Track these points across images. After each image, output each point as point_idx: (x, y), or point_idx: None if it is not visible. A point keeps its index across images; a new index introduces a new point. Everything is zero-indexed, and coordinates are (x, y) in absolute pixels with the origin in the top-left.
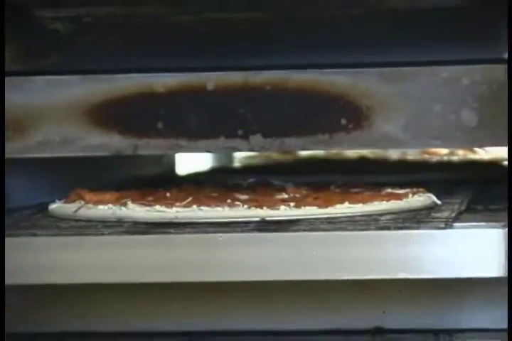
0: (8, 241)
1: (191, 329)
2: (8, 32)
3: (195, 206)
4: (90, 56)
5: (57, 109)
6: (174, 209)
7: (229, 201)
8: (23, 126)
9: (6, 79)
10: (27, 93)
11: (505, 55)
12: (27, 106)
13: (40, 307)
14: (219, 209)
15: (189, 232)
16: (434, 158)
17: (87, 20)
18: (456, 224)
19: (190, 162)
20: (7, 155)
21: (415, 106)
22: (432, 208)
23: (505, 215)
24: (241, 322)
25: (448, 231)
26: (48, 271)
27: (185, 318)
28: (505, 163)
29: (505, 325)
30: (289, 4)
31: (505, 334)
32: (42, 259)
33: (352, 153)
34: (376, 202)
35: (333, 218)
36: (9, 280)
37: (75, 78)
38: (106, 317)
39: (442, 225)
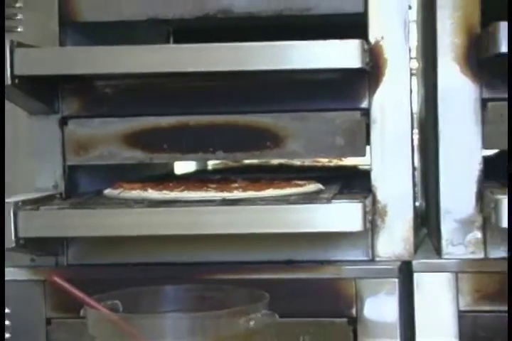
0: (81, 212)
1: (185, 261)
2: (78, 93)
3: (186, 191)
4: (125, 106)
5: (106, 137)
6: (174, 193)
7: (205, 188)
8: (87, 147)
9: (78, 120)
10: (89, 128)
11: (361, 105)
12: (89, 136)
13: (96, 250)
14: (199, 192)
15: (182, 206)
16: (320, 164)
17: (122, 86)
18: (333, 201)
19: (183, 166)
20: (79, 163)
21: (310, 135)
22: (319, 192)
23: (359, 196)
24: (210, 256)
25: (329, 204)
26: (102, 228)
27: (183, 254)
28: (360, 167)
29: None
30: (233, 76)
31: (360, 262)
32: (100, 221)
33: (274, 161)
34: (288, 189)
35: (264, 198)
36: (79, 233)
37: (116, 119)
38: (135, 254)
39: (325, 201)
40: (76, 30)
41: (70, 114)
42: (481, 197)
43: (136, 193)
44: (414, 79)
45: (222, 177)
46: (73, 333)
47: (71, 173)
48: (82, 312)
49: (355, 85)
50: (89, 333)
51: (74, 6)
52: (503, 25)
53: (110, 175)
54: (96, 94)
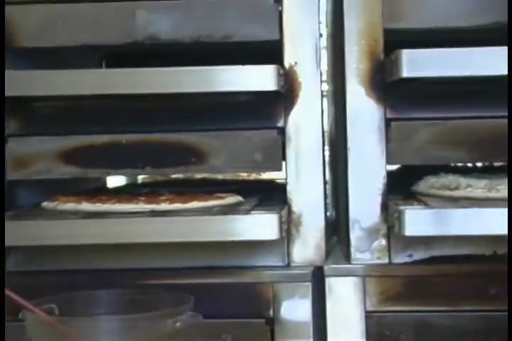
0: (20, 223)
1: (117, 267)
2: (17, 113)
3: (117, 203)
4: (61, 125)
5: (44, 154)
6: (106, 205)
7: (135, 201)
8: (26, 163)
9: (17, 138)
10: (28, 145)
11: (278, 124)
12: (28, 153)
13: (35, 258)
14: (130, 205)
15: (113, 217)
16: (240, 178)
17: (59, 107)
18: (252, 212)
19: (115, 181)
20: (19, 178)
21: (231, 151)
22: (239, 204)
23: (276, 207)
24: (141, 263)
25: (248, 215)
26: (41, 238)
27: (116, 262)
28: (277, 180)
29: (279, 264)
30: (162, 98)
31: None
32: (38, 231)
33: (198, 175)
34: (211, 201)
35: (189, 209)
36: (19, 243)
37: (53, 137)
38: (71, 261)
39: (245, 212)
40: (14, 54)
41: (9, 132)
42: (385, 208)
43: (71, 205)
44: (326, 100)
45: (151, 191)
46: (12, 335)
47: (10, 187)
48: (20, 315)
49: (272, 106)
50: (27, 335)
51: (11, 33)
52: (405, 53)
53: (47, 189)
54: (34, 115)
